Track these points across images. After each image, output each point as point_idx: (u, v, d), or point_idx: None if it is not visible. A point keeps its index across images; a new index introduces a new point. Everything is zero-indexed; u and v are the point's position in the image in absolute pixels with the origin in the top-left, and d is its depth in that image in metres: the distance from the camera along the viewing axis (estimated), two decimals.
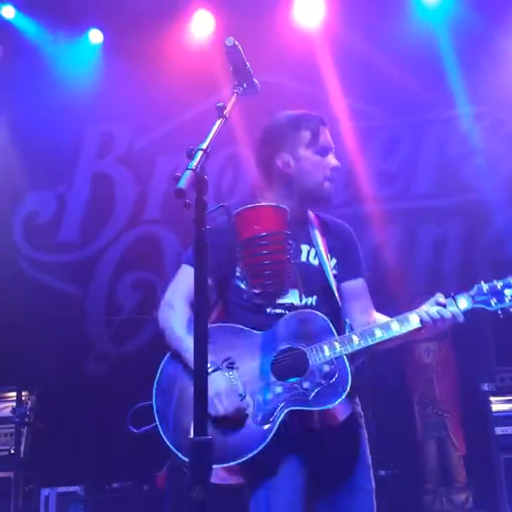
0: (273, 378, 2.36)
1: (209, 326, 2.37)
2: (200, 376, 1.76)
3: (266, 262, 2.01)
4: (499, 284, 2.50)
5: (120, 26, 6.22)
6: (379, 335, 2.41)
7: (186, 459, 2.24)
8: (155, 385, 2.44)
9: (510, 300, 2.50)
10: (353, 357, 2.44)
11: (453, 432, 5.23)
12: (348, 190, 6.01)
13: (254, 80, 2.21)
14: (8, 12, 6.21)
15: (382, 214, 6.07)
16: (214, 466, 2.11)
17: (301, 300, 2.47)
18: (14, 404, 5.34)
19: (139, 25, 6.01)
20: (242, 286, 2.44)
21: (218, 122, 1.97)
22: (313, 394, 2.32)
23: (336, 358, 2.37)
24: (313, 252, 2.56)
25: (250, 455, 2.26)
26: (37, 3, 6.17)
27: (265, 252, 2.01)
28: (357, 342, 2.39)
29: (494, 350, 5.19)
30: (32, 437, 5.41)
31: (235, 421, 2.31)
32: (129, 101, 6.27)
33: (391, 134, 6.47)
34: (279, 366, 2.39)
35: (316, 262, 2.55)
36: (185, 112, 6.47)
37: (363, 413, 2.59)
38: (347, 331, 2.45)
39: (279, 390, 2.34)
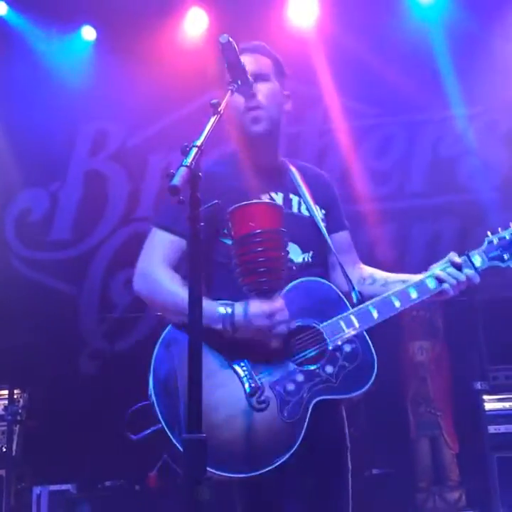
0: (291, 365, 2.15)
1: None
2: (193, 368, 1.71)
3: (261, 259, 1.98)
4: (507, 235, 2.37)
5: (113, 23, 6.21)
6: (397, 305, 2.25)
7: (215, 471, 1.99)
8: (152, 382, 2.10)
9: None
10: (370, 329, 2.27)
11: (446, 430, 5.24)
12: (342, 188, 6.01)
13: (249, 76, 2.21)
14: (1, 8, 6.18)
15: (376, 213, 6.07)
16: (244, 475, 2.01)
17: (300, 256, 2.31)
18: (6, 402, 5.32)
19: (132, 22, 6.01)
20: (231, 243, 2.22)
21: (213, 119, 1.96)
22: (339, 379, 2.14)
23: (356, 335, 2.20)
24: (302, 203, 2.43)
25: (286, 456, 2.03)
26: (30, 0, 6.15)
27: (260, 249, 1.98)
28: (376, 315, 2.23)
29: (487, 348, 5.21)
30: (24, 435, 5.39)
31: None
32: (122, 98, 6.25)
33: (385, 134, 6.48)
34: (295, 350, 2.17)
35: (307, 214, 2.41)
36: (178, 110, 6.47)
37: None
38: (355, 299, 2.28)
39: (300, 378, 2.13)
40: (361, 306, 2.24)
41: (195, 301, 1.73)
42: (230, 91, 2.13)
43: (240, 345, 2.12)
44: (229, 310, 2.11)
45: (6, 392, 5.39)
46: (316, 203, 2.43)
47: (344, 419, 2.39)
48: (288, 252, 2.14)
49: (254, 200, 2.27)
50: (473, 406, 5.08)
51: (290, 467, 2.12)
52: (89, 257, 6.60)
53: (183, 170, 1.73)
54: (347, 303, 2.24)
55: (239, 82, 2.15)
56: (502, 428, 4.93)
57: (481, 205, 5.95)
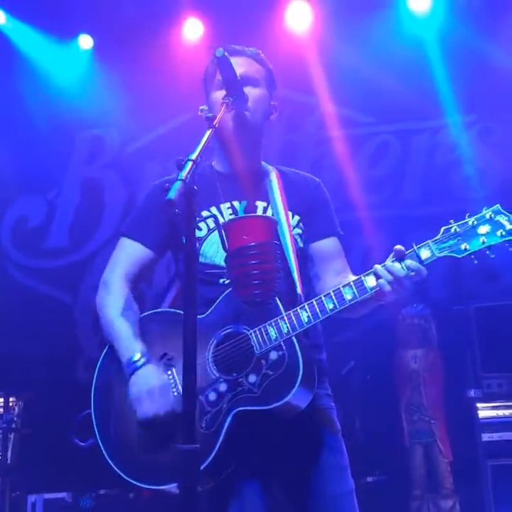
0: (216, 374, 2.10)
1: (144, 313, 2.28)
2: (188, 378, 1.72)
3: (254, 272, 1.99)
4: (471, 221, 2.05)
5: (110, 32, 6.23)
6: (331, 307, 2.07)
7: (130, 480, 2.07)
8: (93, 389, 2.22)
9: (485, 241, 2.01)
10: (307, 333, 2.13)
11: (440, 438, 5.25)
12: (337, 197, 6.03)
13: (244, 90, 2.23)
14: None
15: (370, 221, 6.09)
16: (154, 488, 2.02)
17: None
18: (1, 410, 5.31)
19: (129, 31, 6.04)
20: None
21: (208, 133, 1.97)
22: (261, 389, 2.02)
23: (285, 341, 2.06)
24: (269, 209, 2.35)
25: (202, 467, 1.93)
26: (27, 8, 6.16)
27: (254, 262, 1.99)
28: (306, 319, 2.07)
29: (480, 356, 5.22)
30: (19, 443, 5.38)
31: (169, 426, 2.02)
32: (119, 106, 6.27)
33: (379, 142, 6.50)
34: (221, 357, 2.11)
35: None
36: (174, 118, 6.49)
37: (331, 394, 2.34)
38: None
39: (223, 387, 2.07)
40: (292, 310, 2.10)
41: (189, 319, 1.75)
42: (225, 105, 2.14)
43: (167, 355, 2.17)
44: (139, 362, 2.13)
45: (1, 400, 5.38)
46: (290, 209, 2.36)
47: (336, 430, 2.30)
48: (281, 265, 2.14)
49: (248, 214, 2.31)
50: (466, 414, 5.11)
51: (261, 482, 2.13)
52: (86, 265, 6.59)
53: (178, 184, 1.75)
54: (281, 308, 2.10)
55: (234, 96, 2.17)
56: (495, 436, 4.95)
57: (475, 213, 5.96)
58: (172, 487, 2.00)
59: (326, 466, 2.20)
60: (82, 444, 2.19)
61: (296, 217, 2.38)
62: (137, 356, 2.14)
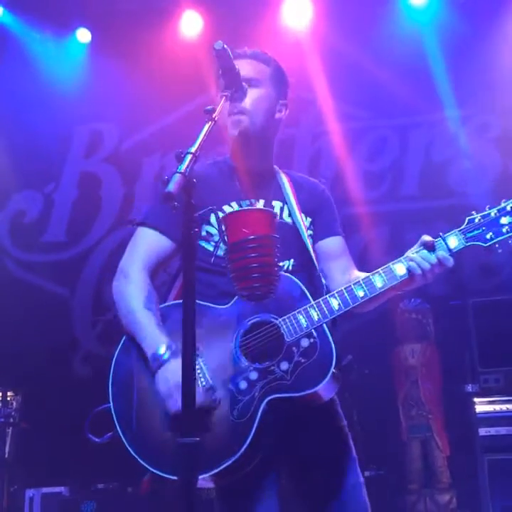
0: (245, 362, 2.10)
1: (164, 304, 2.26)
2: (187, 370, 1.72)
3: (254, 265, 1.98)
4: (493, 212, 2.15)
5: (108, 26, 6.22)
6: (361, 294, 2.12)
7: (158, 472, 2.04)
8: (110, 383, 2.19)
9: (508, 230, 2.13)
10: (335, 323, 2.17)
11: (437, 433, 5.26)
12: (335, 192, 6.02)
13: (243, 83, 2.22)
14: None
15: (369, 216, 6.09)
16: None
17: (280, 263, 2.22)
18: None
19: (126, 25, 6.02)
20: (209, 248, 2.28)
21: (207, 126, 1.97)
22: (294, 376, 2.04)
23: (315, 329, 2.10)
24: (286, 209, 2.39)
25: (234, 458, 1.98)
26: (25, 1, 6.14)
27: (253, 255, 1.98)
28: (337, 306, 2.11)
29: (478, 351, 5.23)
30: (17, 438, 5.38)
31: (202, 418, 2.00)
32: (117, 100, 6.26)
33: (378, 136, 6.50)
34: (250, 346, 2.12)
35: (289, 220, 2.37)
36: (172, 112, 6.48)
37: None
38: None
39: (254, 375, 2.07)
40: (322, 298, 2.14)
41: (188, 311, 1.74)
42: (224, 97, 2.13)
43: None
44: (165, 356, 2.09)
45: None
46: (303, 210, 2.40)
47: (337, 414, 2.32)
48: (280, 258, 2.13)
49: (248, 207, 2.31)
50: (464, 408, 5.12)
51: (281, 470, 2.16)
52: (83, 260, 6.59)
53: (177, 177, 1.75)
54: (310, 297, 2.14)
55: (233, 89, 2.16)
56: (492, 430, 4.96)
57: (473, 208, 5.96)
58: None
59: (344, 457, 2.25)
60: (97, 440, 2.15)
61: (309, 219, 2.43)
62: (162, 349, 2.10)
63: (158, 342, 2.13)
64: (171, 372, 2.05)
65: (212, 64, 2.40)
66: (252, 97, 2.33)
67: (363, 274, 2.25)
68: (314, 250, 2.40)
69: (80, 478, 5.45)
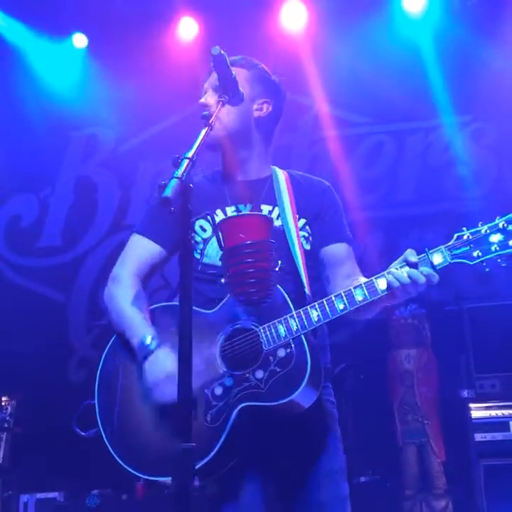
0: (223, 368, 2.11)
1: (153, 306, 2.30)
2: (183, 379, 1.72)
3: (250, 270, 1.99)
4: (484, 229, 2.07)
5: (104, 31, 6.22)
6: (341, 307, 2.09)
7: (132, 471, 2.06)
8: (97, 379, 2.22)
9: (497, 249, 2.05)
10: (315, 333, 2.15)
11: (433, 438, 5.25)
12: None
13: (240, 88, 2.23)
14: None
15: (365, 221, 6.10)
16: (155, 479, 2.01)
17: None
18: None
19: (123, 30, 6.03)
20: (196, 256, 2.31)
21: (204, 131, 1.97)
22: (268, 385, 2.04)
23: (294, 339, 2.07)
24: (275, 211, 2.37)
25: (204, 462, 1.99)
26: (21, 6, 6.14)
27: (250, 260, 1.98)
28: (316, 318, 2.09)
29: (474, 357, 5.23)
30: (12, 443, 5.36)
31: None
32: (113, 105, 6.26)
33: (374, 142, 6.51)
34: (229, 352, 2.12)
35: (278, 223, 2.33)
36: (168, 117, 6.48)
37: (335, 401, 2.35)
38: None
39: (229, 382, 2.08)
40: (303, 308, 2.12)
41: (185, 316, 1.74)
42: (220, 103, 2.14)
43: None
44: (152, 345, 2.12)
45: None
46: (298, 211, 2.37)
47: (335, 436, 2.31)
48: (277, 264, 2.16)
49: (244, 212, 2.32)
50: (459, 414, 5.11)
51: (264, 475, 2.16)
52: (79, 264, 6.58)
53: (174, 182, 1.75)
54: (291, 306, 2.13)
55: (230, 94, 2.17)
56: (488, 436, 4.95)
57: (469, 213, 5.99)
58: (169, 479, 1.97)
59: (322, 471, 2.21)
60: (83, 433, 2.19)
61: (303, 220, 2.39)
62: (148, 339, 2.13)
63: (144, 332, 2.16)
64: (160, 362, 2.08)
65: (204, 67, 2.43)
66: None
67: (363, 280, 2.21)
68: (317, 255, 2.40)
69: (74, 484, 5.43)
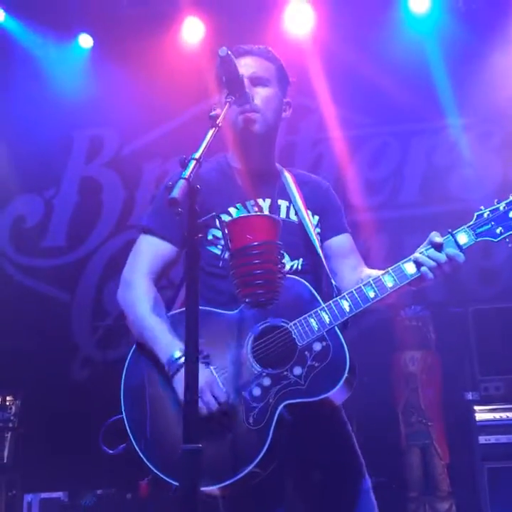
0: (257, 368, 2.08)
1: (171, 313, 2.25)
2: (190, 380, 1.71)
3: (258, 272, 1.97)
4: (502, 206, 2.11)
5: (110, 31, 6.23)
6: (372, 295, 2.10)
7: (173, 482, 2.00)
8: (122, 392, 2.17)
9: None
10: (346, 325, 2.14)
11: (437, 440, 5.24)
12: None
13: (247, 89, 2.23)
14: None
15: (370, 222, 6.09)
16: (211, 488, 1.94)
17: (289, 263, 2.25)
18: None
19: (128, 30, 6.03)
20: (216, 251, 2.27)
21: (211, 132, 1.97)
22: (308, 381, 2.02)
23: (327, 332, 2.08)
24: (292, 208, 2.38)
25: (251, 466, 1.95)
26: (27, 6, 6.15)
27: (257, 261, 1.97)
28: (348, 308, 2.09)
29: (478, 359, 5.22)
30: (15, 442, 5.37)
31: (223, 422, 1.99)
32: (118, 106, 6.26)
33: (379, 143, 6.51)
34: (261, 352, 2.10)
35: (296, 219, 2.35)
36: (173, 118, 6.49)
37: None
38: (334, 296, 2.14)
39: (267, 382, 2.06)
40: (332, 300, 2.11)
41: (191, 316, 1.74)
42: (228, 103, 2.14)
43: (202, 353, 2.09)
44: (182, 360, 2.05)
45: None
46: (309, 208, 2.39)
47: (342, 421, 2.32)
48: (284, 265, 2.14)
49: (252, 213, 2.31)
50: (464, 416, 5.11)
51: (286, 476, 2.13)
52: (83, 264, 6.58)
53: (181, 182, 1.75)
54: (320, 300, 2.13)
55: (236, 95, 2.16)
56: (492, 438, 4.95)
57: (473, 215, 5.96)
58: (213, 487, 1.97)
59: (347, 465, 2.25)
60: (111, 451, 2.12)
61: (316, 217, 2.42)
62: (178, 354, 2.07)
63: (172, 347, 2.11)
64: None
65: (214, 69, 2.42)
66: (262, 95, 2.34)
67: (372, 272, 2.25)
68: (323, 249, 2.39)
69: (78, 484, 5.43)
